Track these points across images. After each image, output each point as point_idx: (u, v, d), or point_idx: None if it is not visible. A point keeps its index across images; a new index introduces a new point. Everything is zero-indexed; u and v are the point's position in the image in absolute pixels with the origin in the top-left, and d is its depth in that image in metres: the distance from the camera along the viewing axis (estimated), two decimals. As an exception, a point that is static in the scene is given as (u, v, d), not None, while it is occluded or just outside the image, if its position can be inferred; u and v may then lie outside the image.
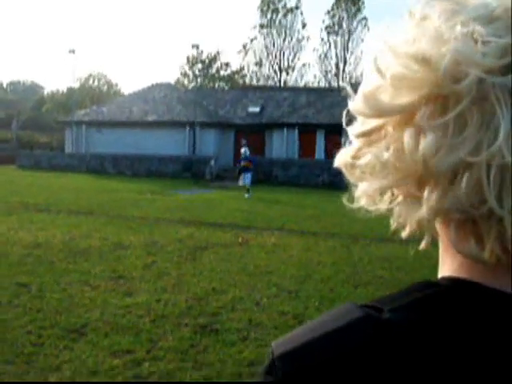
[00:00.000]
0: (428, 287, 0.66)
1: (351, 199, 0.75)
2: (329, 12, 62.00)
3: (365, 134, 0.68)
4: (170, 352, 5.65)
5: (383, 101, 0.64)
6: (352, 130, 0.71)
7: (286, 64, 63.88)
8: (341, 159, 0.73)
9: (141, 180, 30.90)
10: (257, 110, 39.44)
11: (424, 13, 0.65)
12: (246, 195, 23.07)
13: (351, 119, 0.72)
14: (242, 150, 25.48)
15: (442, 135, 0.59)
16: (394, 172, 0.64)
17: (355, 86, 0.72)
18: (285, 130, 37.05)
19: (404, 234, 0.73)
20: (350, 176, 0.73)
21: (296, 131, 36.95)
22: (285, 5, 62.27)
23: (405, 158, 0.62)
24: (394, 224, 0.73)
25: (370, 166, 0.67)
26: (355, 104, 0.68)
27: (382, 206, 0.72)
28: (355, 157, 0.70)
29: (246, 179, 24.73)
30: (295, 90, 45.92)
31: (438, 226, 0.69)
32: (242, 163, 25.22)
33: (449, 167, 0.59)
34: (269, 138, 37.79)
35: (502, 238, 0.59)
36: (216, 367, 5.33)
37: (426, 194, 0.63)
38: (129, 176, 34.01)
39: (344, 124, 0.74)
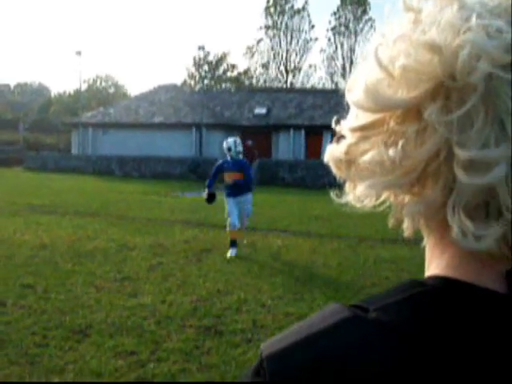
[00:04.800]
0: (415, 286, 0.65)
1: (339, 194, 0.74)
2: (335, 13, 62.05)
3: (363, 128, 0.67)
4: (175, 353, 5.65)
5: (387, 95, 0.63)
6: (345, 124, 0.70)
7: (292, 65, 63.92)
8: (332, 155, 0.72)
9: (147, 182, 30.91)
10: (263, 111, 39.45)
11: (420, 6, 0.64)
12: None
13: (339, 118, 0.71)
14: (229, 143, 11.18)
15: (450, 131, 0.58)
16: (398, 168, 0.63)
17: None
18: (291, 131, 37.05)
19: (406, 233, 0.72)
20: (340, 172, 0.72)
21: (302, 133, 36.94)
22: (292, 6, 62.29)
23: (411, 154, 0.61)
24: (391, 221, 0.73)
25: (374, 162, 0.65)
26: (355, 97, 0.67)
27: (368, 203, 0.72)
28: (348, 152, 0.69)
29: (244, 217, 11.49)
30: (302, 91, 45.89)
31: (431, 224, 0.68)
32: (228, 176, 11.13)
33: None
34: (275, 139, 37.79)
35: (507, 234, 0.59)
36: (220, 369, 5.33)
37: (428, 189, 0.63)
38: (135, 178, 34.00)
39: (333, 123, 0.72)
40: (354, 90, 0.67)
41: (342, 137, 0.71)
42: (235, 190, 10.98)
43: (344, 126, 0.70)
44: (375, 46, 0.65)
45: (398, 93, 0.62)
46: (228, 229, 11.00)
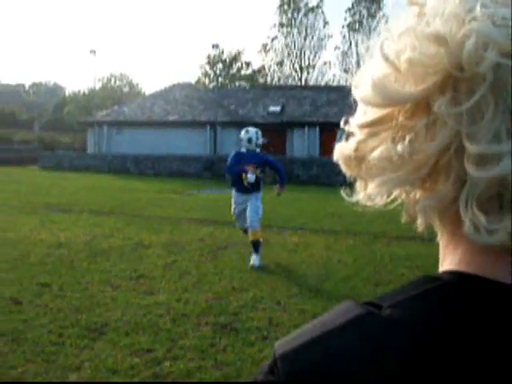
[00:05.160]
0: (428, 282, 0.65)
1: (350, 193, 0.74)
2: (349, 10, 61.96)
3: (371, 124, 0.66)
4: (190, 351, 5.65)
5: (395, 89, 0.62)
6: (353, 121, 0.69)
7: (306, 63, 63.81)
8: (341, 153, 0.72)
9: (162, 180, 30.99)
10: (278, 109, 39.37)
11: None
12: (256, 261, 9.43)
13: (347, 119, 0.71)
14: (250, 132, 9.86)
15: (460, 123, 0.57)
16: (408, 163, 0.62)
17: None
18: (306, 128, 36.98)
19: (420, 228, 0.72)
20: (349, 170, 0.71)
21: (317, 130, 36.86)
22: (306, 4, 62.25)
23: (421, 148, 0.61)
24: (404, 218, 0.73)
25: (383, 158, 0.64)
26: (363, 93, 0.66)
27: (379, 201, 0.71)
28: (357, 149, 0.68)
29: (252, 212, 9.68)
30: (316, 88, 45.77)
31: (443, 220, 0.68)
32: (250, 172, 9.52)
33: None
34: (290, 136, 37.75)
35: None
36: (236, 366, 5.32)
37: (440, 184, 0.62)
38: (150, 176, 34.08)
39: (342, 123, 0.72)
40: (361, 86, 0.67)
41: (351, 134, 0.70)
42: (247, 186, 9.68)
43: (352, 123, 0.70)
44: (381, 40, 0.65)
45: (406, 87, 0.62)
46: (246, 233, 9.96)
